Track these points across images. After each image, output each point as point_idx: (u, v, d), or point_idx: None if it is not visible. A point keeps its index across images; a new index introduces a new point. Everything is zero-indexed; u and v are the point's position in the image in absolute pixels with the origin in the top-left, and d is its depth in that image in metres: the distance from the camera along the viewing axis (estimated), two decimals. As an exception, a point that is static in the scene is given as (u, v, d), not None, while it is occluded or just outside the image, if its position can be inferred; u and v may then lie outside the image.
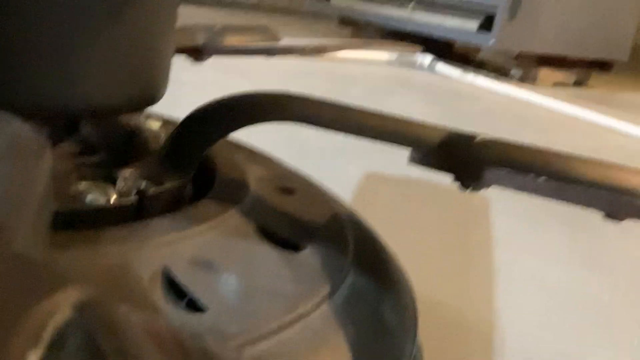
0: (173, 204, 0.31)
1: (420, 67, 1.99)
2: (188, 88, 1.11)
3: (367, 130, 0.32)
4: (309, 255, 0.29)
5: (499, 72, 2.14)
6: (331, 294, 0.27)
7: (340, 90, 1.37)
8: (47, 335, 0.12)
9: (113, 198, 0.28)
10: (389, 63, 1.94)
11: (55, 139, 0.36)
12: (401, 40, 2.34)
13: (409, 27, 2.20)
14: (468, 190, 0.29)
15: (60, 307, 0.13)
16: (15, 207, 0.17)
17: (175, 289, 0.25)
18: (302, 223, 0.33)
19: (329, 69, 1.56)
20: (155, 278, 0.24)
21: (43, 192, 0.20)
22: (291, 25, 2.55)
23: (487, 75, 1.99)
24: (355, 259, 0.31)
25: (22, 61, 0.26)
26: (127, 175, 0.30)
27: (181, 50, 0.41)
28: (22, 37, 0.26)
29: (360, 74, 1.65)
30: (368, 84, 1.53)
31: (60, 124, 0.38)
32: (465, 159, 0.28)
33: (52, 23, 0.27)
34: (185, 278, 0.25)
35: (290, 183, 0.37)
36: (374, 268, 0.32)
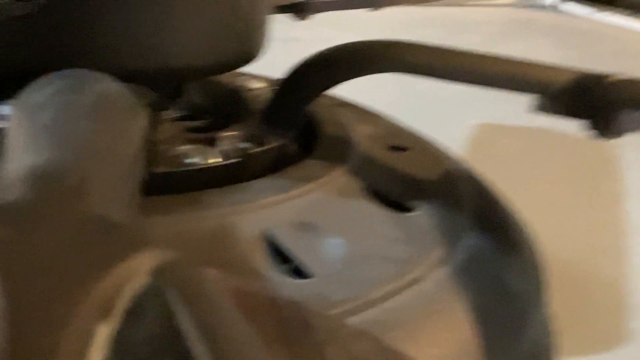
0: (276, 165, 0.29)
1: (545, 7, 1.85)
2: (299, 46, 1.10)
3: (486, 77, 0.29)
4: (422, 216, 0.27)
5: (635, 8, 1.95)
6: (446, 257, 0.25)
7: (455, 39, 1.30)
8: (121, 305, 0.11)
9: (214, 160, 0.27)
10: (509, 4, 1.83)
11: (162, 104, 0.36)
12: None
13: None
14: (602, 138, 0.26)
15: (137, 273, 0.12)
16: (98, 166, 0.16)
17: (278, 254, 0.24)
18: (414, 182, 0.30)
19: (442, 15, 1.49)
20: (257, 242, 0.23)
21: (133, 153, 0.19)
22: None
23: (621, 13, 1.82)
24: (473, 219, 0.29)
25: (117, 21, 0.26)
26: (228, 137, 0.29)
27: (283, 8, 0.39)
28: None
29: (478, 18, 1.56)
30: (486, 30, 1.45)
31: (166, 89, 0.38)
32: (597, 103, 0.25)
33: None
34: (289, 242, 0.24)
35: (401, 140, 0.35)
36: (493, 228, 0.29)
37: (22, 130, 0.17)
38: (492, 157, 0.68)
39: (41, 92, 0.20)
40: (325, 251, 0.24)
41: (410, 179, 0.31)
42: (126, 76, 0.27)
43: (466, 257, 0.26)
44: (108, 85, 0.20)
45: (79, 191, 0.14)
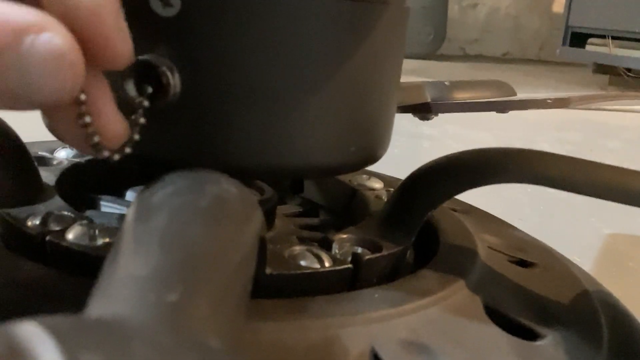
0: (391, 273, 0.28)
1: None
2: (426, 142, 1.10)
3: (628, 196, 0.26)
4: (551, 346, 0.24)
5: None
6: (579, 399, 0.22)
7: (593, 143, 1.24)
8: None
9: (326, 263, 0.26)
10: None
11: (280, 199, 0.35)
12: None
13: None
14: None
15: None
16: (203, 278, 0.15)
17: (383, 375, 0.21)
18: (543, 304, 0.27)
19: (580, 118, 1.43)
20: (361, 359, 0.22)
21: (243, 260, 0.18)
22: (540, 76, 2.42)
23: None
24: (612, 354, 0.25)
25: (238, 119, 0.26)
26: (342, 239, 0.28)
27: (408, 108, 0.38)
28: (238, 93, 0.25)
29: (617, 123, 1.48)
30: (629, 136, 1.37)
31: (285, 184, 0.38)
32: None
33: (270, 80, 0.26)
34: (396, 363, 0.21)
35: (528, 254, 0.32)
36: (636, 366, 0.25)
37: (133, 232, 0.17)
38: (629, 272, 0.62)
39: (160, 192, 0.19)
40: (437, 378, 0.21)
41: (539, 301, 0.28)
42: (247, 173, 0.27)
43: (603, 401, 0.22)
44: (226, 188, 0.20)
45: (178, 310, 0.13)
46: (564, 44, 2.27)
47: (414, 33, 2.37)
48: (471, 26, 2.95)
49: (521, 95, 0.40)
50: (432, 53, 2.47)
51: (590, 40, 2.22)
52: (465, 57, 2.88)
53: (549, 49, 2.93)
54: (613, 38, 2.13)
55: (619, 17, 2.08)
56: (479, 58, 2.92)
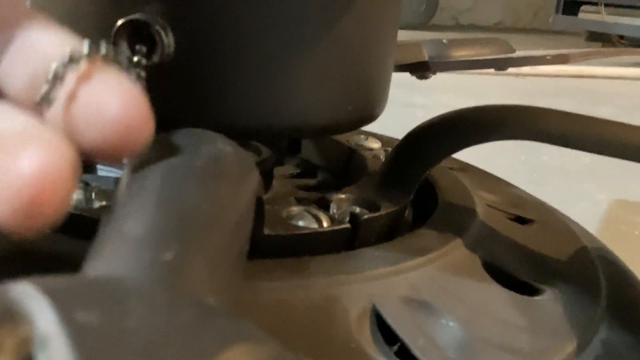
0: (389, 232, 0.27)
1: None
2: (419, 110, 1.09)
3: (629, 150, 0.26)
4: (550, 301, 0.24)
5: None
6: (578, 351, 0.22)
7: (585, 110, 1.24)
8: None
9: (324, 224, 0.26)
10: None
11: (277, 160, 0.35)
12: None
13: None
14: None
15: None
16: (199, 238, 0.15)
17: (384, 331, 0.21)
18: (541, 260, 0.27)
19: (573, 86, 1.43)
20: (363, 317, 0.22)
21: (240, 220, 0.18)
22: (533, 45, 2.41)
23: None
24: (610, 307, 0.25)
25: (233, 78, 0.25)
26: (340, 199, 0.28)
27: (405, 67, 0.38)
28: (234, 53, 0.25)
29: (612, 90, 1.48)
30: (622, 103, 1.37)
31: (282, 145, 0.38)
32: None
33: (265, 37, 0.25)
34: (397, 320, 0.21)
35: (526, 211, 0.32)
36: (634, 320, 0.26)
37: (128, 193, 0.17)
38: (623, 236, 0.63)
39: (154, 152, 0.19)
40: (437, 335, 0.21)
41: (537, 257, 0.28)
42: (243, 133, 0.27)
43: (602, 352, 0.23)
44: (221, 148, 0.19)
45: (174, 269, 0.13)
46: (557, 11, 2.25)
47: (406, 3, 2.35)
48: (464, -5, 2.93)
49: (520, 52, 0.40)
50: (424, 23, 2.45)
51: (583, 7, 2.21)
52: (457, 27, 2.86)
53: (542, 18, 2.91)
54: (606, 5, 2.12)
55: (611, -17, 2.06)
56: (471, 28, 2.90)
